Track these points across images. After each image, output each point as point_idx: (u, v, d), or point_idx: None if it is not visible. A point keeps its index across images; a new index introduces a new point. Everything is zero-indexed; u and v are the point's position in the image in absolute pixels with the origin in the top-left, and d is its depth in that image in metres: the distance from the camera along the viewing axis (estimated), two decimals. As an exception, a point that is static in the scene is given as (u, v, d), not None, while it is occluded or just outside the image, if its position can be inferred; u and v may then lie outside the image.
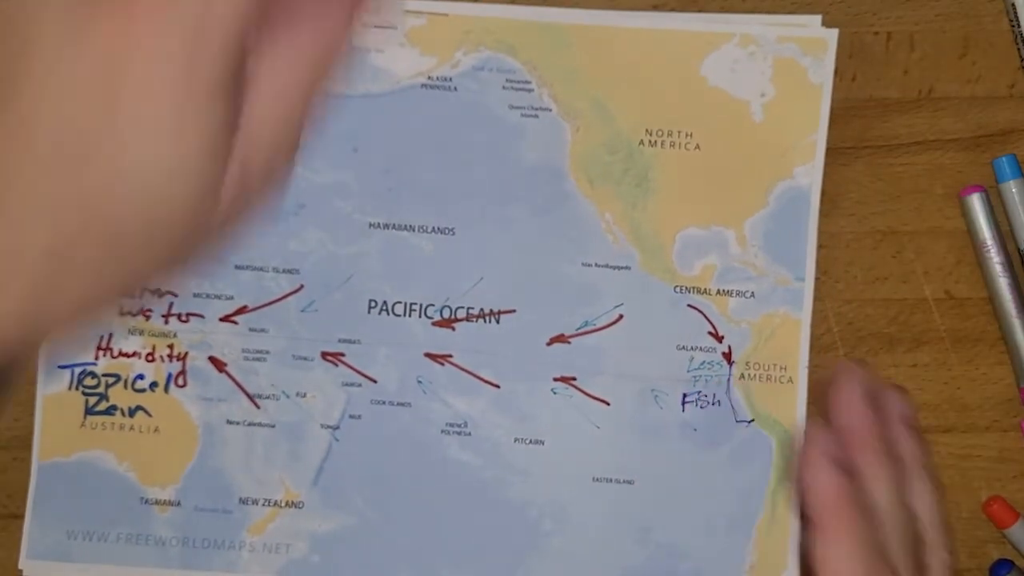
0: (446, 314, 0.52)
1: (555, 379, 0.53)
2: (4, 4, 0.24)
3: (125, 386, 0.52)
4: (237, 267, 0.52)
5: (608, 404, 0.52)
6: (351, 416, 0.52)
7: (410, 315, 0.52)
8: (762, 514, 0.52)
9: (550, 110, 0.53)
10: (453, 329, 0.52)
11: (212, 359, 0.52)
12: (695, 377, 0.52)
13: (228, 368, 0.52)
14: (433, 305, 0.52)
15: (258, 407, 0.52)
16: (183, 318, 0.52)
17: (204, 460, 0.52)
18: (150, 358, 0.52)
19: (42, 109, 0.24)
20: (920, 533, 0.41)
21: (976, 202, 0.53)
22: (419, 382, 0.52)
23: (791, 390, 0.53)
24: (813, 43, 0.53)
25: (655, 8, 0.53)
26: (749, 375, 0.52)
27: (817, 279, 0.53)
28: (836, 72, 0.53)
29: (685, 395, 0.53)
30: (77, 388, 0.52)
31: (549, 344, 0.53)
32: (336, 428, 0.52)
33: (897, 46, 0.54)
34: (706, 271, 0.53)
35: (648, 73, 0.53)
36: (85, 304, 0.26)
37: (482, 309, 0.53)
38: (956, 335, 0.54)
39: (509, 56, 0.53)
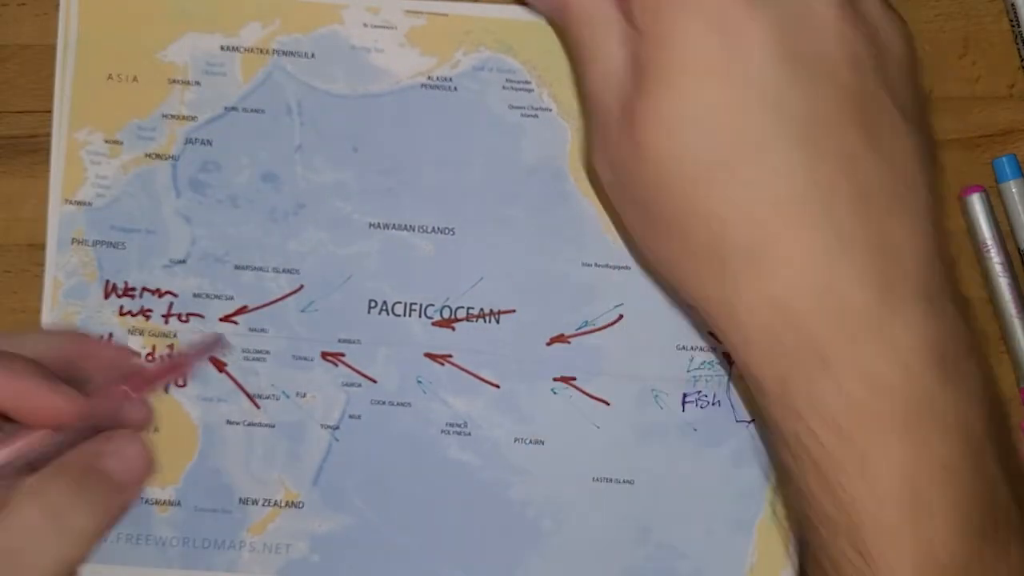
0: (446, 314, 0.53)
1: (555, 379, 0.53)
2: None
3: (125, 386, 0.52)
4: (237, 267, 0.52)
5: (608, 404, 0.52)
6: (351, 416, 0.52)
7: (410, 315, 0.52)
8: (762, 514, 0.52)
9: (550, 110, 0.53)
10: (453, 329, 0.52)
11: (212, 359, 0.52)
12: (695, 377, 0.52)
13: (228, 368, 0.52)
14: (433, 305, 0.52)
15: (258, 407, 0.52)
16: (183, 318, 0.52)
17: (204, 460, 0.52)
18: (150, 358, 0.52)
19: None
20: None
21: (976, 202, 0.53)
22: (419, 382, 0.52)
23: (791, 390, 0.52)
24: (813, 43, 0.52)
25: (655, 8, 0.53)
26: (749, 375, 0.52)
27: (817, 279, 0.53)
28: (836, 72, 0.53)
29: (685, 395, 0.53)
30: (77, 388, 0.52)
31: (549, 344, 0.53)
32: (336, 428, 0.52)
33: (897, 46, 0.54)
34: (706, 271, 0.53)
35: (648, 73, 0.53)
36: None
37: (482, 309, 0.53)
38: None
39: (509, 56, 0.53)
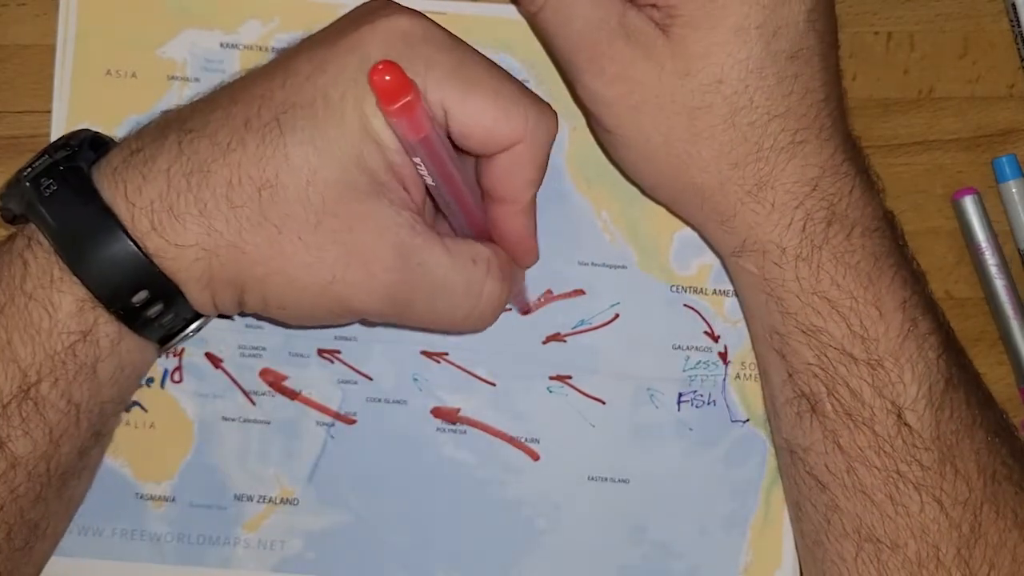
0: (442, 312, 0.52)
1: (551, 378, 0.52)
2: None
3: (122, 382, 0.52)
4: (234, 263, 0.52)
5: (603, 403, 0.52)
6: (346, 413, 0.52)
7: (406, 313, 0.52)
8: (756, 513, 0.52)
9: (548, 109, 0.52)
10: (449, 327, 0.52)
11: (208, 355, 0.52)
12: (691, 377, 0.52)
13: (224, 364, 0.52)
14: (429, 303, 0.52)
15: (253, 404, 0.52)
16: (180, 314, 0.52)
17: (199, 456, 0.52)
18: (147, 354, 0.52)
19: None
20: None
21: (969, 205, 0.53)
22: (415, 380, 0.52)
23: (788, 390, 0.52)
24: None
25: (653, 7, 0.53)
26: (744, 375, 0.52)
27: (815, 279, 0.53)
28: (836, 72, 0.53)
29: (681, 394, 0.52)
30: (74, 383, 0.52)
31: (545, 343, 0.53)
32: (331, 425, 0.52)
33: (897, 46, 0.54)
34: (702, 271, 0.53)
35: (645, 72, 0.52)
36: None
37: (478, 307, 0.52)
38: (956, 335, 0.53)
39: (508, 55, 0.53)
